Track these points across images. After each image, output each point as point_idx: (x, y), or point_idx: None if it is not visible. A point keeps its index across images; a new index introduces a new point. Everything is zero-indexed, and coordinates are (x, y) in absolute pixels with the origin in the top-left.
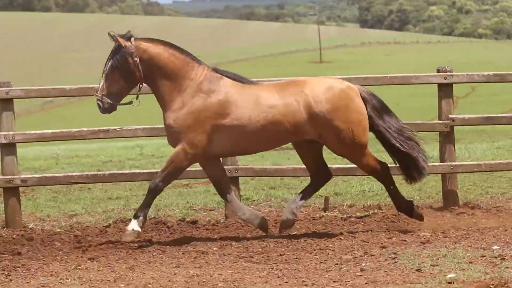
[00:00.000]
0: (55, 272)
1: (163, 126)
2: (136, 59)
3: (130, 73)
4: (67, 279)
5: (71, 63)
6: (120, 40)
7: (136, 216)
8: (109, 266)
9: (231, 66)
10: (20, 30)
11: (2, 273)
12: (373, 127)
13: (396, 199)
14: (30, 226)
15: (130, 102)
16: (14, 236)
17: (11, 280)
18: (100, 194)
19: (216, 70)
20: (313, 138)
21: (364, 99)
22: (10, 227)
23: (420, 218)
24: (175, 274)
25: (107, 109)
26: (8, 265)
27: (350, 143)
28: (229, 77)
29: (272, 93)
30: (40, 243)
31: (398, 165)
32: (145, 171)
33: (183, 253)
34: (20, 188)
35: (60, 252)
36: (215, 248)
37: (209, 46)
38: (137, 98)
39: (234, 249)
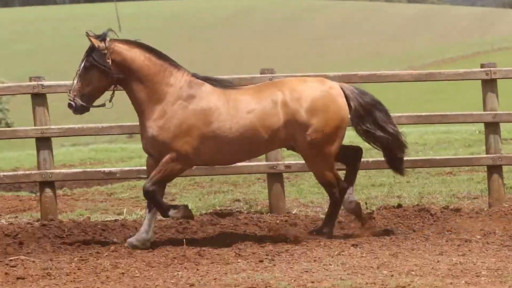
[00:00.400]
0: (318, 257)
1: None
2: (108, 60)
3: (102, 74)
4: (330, 264)
5: (333, 51)
6: (93, 40)
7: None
8: (373, 252)
9: (493, 54)
10: (282, 17)
11: (266, 258)
12: (361, 125)
13: (329, 221)
14: (293, 212)
15: (104, 105)
16: (278, 221)
17: (274, 265)
18: (364, 181)
19: (196, 76)
20: (291, 143)
21: (348, 98)
22: (274, 213)
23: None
24: (438, 261)
25: (79, 110)
26: (271, 250)
27: (320, 148)
28: (209, 83)
29: (250, 97)
30: (304, 229)
31: (387, 158)
32: (409, 158)
33: (446, 241)
34: (283, 174)
35: (323, 238)
36: (478, 236)
37: (472, 34)
38: (110, 100)
39: (497, 237)
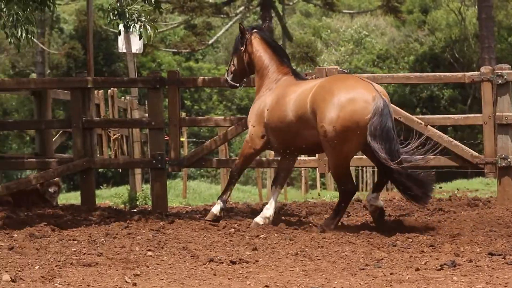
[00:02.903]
0: None
1: None
2: (242, 48)
3: (239, 59)
4: None
5: None
6: (242, 28)
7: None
8: None
9: None
10: None
11: None
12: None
13: (334, 215)
14: None
15: (241, 85)
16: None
17: None
18: None
19: (294, 73)
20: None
21: (375, 111)
22: None
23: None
24: None
25: (227, 86)
26: None
27: (330, 142)
28: (295, 77)
29: (300, 86)
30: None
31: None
32: None
33: None
34: None
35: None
36: None
37: None
38: (245, 81)
39: None
